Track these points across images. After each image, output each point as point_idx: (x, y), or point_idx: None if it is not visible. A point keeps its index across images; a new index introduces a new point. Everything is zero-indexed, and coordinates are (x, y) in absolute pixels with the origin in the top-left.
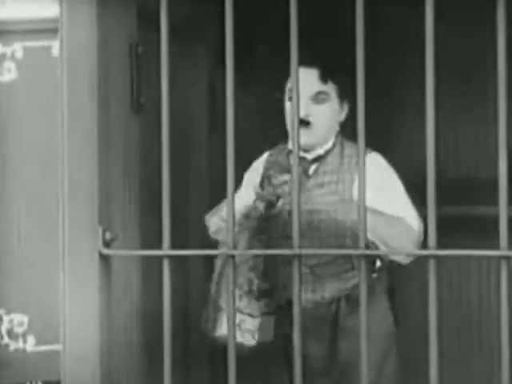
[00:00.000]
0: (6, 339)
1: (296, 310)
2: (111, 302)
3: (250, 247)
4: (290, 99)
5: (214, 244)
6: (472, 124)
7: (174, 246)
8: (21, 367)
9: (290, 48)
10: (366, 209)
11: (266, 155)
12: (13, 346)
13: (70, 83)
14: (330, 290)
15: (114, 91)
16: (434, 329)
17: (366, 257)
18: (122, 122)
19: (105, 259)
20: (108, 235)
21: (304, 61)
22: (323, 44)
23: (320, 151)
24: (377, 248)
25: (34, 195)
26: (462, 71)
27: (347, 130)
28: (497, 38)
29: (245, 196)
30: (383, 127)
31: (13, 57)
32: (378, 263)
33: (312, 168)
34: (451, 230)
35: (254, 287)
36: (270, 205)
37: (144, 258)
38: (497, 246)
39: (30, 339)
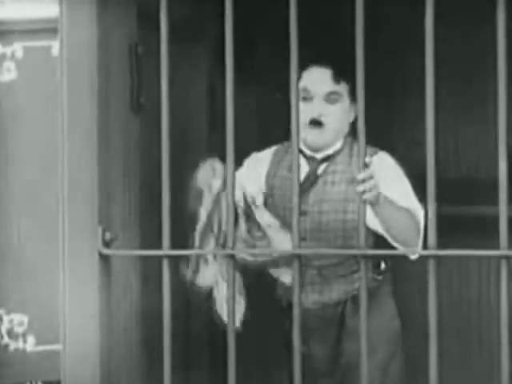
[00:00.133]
0: (6, 339)
1: (296, 311)
2: (111, 302)
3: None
4: (302, 99)
5: None
6: (472, 124)
7: (173, 246)
8: (21, 367)
9: (290, 48)
10: (365, 209)
11: (273, 149)
12: (13, 345)
13: (69, 83)
14: (337, 291)
15: (113, 91)
16: (433, 329)
17: (366, 257)
18: (121, 121)
19: (105, 259)
20: (108, 235)
21: (317, 60)
22: (336, 44)
23: (329, 151)
24: (385, 247)
25: (34, 195)
26: (462, 71)
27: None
28: (497, 38)
29: (248, 188)
30: (383, 127)
31: (13, 57)
32: (383, 265)
33: (321, 168)
34: (451, 229)
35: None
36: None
37: (144, 258)
38: (497, 246)
39: (30, 339)
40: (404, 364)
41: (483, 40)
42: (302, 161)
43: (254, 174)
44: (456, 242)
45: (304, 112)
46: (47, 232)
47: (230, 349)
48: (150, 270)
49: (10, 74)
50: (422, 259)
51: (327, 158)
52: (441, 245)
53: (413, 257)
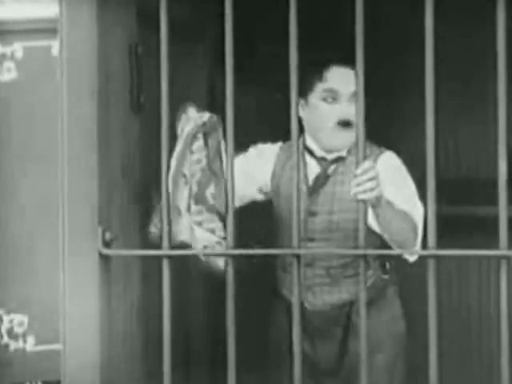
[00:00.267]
0: (5, 339)
1: (296, 311)
2: (111, 302)
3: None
4: (326, 100)
5: None
6: (472, 124)
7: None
8: (21, 367)
9: (289, 49)
10: (366, 208)
11: (277, 148)
12: (13, 345)
13: (69, 83)
14: (346, 291)
15: (113, 91)
16: (433, 328)
17: (367, 256)
18: (121, 121)
19: (105, 259)
20: (108, 235)
21: (340, 60)
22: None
23: (342, 152)
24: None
25: (34, 195)
26: (462, 71)
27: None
28: (497, 38)
29: (243, 188)
30: (382, 127)
31: (13, 57)
32: (387, 265)
33: (331, 168)
34: (451, 229)
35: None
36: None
37: (144, 258)
38: (497, 246)
39: (30, 339)
40: (407, 365)
41: (483, 40)
42: (312, 161)
43: (256, 172)
44: (456, 242)
45: (331, 114)
46: (47, 232)
47: (230, 349)
48: (150, 270)
49: (9, 74)
50: (421, 260)
51: (338, 159)
52: (440, 245)
53: (411, 259)
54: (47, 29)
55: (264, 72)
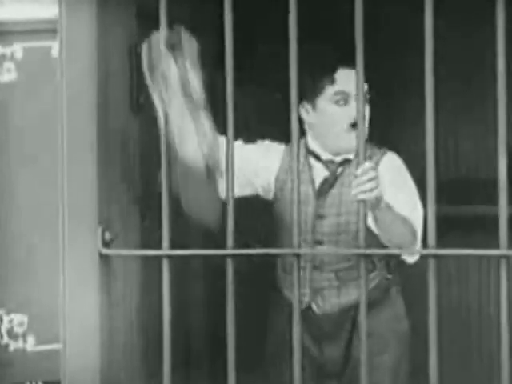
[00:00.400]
0: (5, 339)
1: (296, 311)
2: (111, 302)
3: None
4: (338, 103)
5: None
6: (472, 124)
7: (173, 246)
8: (21, 367)
9: (289, 49)
10: (366, 208)
11: (282, 149)
12: (13, 345)
13: (69, 84)
14: (354, 293)
15: (113, 91)
16: (433, 328)
17: (367, 256)
18: (121, 121)
19: (105, 259)
20: (108, 235)
21: (348, 62)
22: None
23: (349, 155)
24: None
25: (33, 195)
26: (461, 71)
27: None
28: (496, 38)
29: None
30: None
31: (12, 57)
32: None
33: (339, 170)
34: (451, 229)
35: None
36: None
37: (144, 258)
38: (496, 246)
39: (30, 339)
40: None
41: (483, 40)
42: (318, 165)
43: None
44: (456, 241)
45: (344, 116)
46: (47, 232)
47: (230, 349)
48: (150, 270)
49: (9, 74)
50: (421, 259)
51: (345, 161)
52: (440, 244)
53: (410, 260)
54: (47, 29)
55: (267, 72)
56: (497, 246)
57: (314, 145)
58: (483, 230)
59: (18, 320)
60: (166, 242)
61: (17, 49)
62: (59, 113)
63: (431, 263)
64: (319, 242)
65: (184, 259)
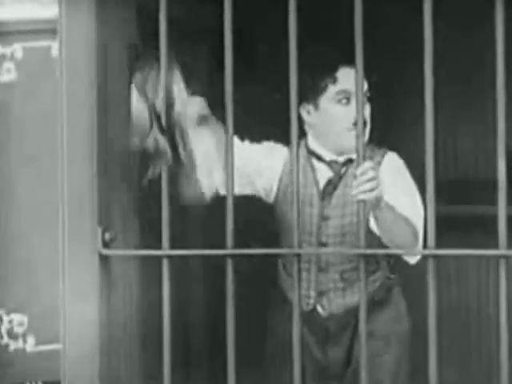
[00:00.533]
0: (5, 339)
1: (296, 311)
2: (111, 302)
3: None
4: (340, 102)
5: (212, 244)
6: (471, 124)
7: (173, 246)
8: (21, 367)
9: (289, 49)
10: (366, 208)
11: (286, 151)
12: (13, 345)
13: (69, 84)
14: (359, 294)
15: (113, 91)
16: (433, 328)
17: (368, 256)
18: (121, 121)
19: (104, 259)
20: (107, 236)
21: (349, 60)
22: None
23: (352, 154)
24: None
25: (33, 195)
26: (461, 71)
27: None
28: (496, 38)
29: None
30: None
31: (12, 57)
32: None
33: (342, 170)
34: (450, 229)
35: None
36: None
37: (144, 258)
38: (496, 246)
39: (30, 339)
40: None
41: (483, 40)
42: (321, 166)
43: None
44: (455, 241)
45: (347, 115)
46: (47, 232)
47: (230, 349)
48: (150, 270)
49: (9, 74)
50: (421, 259)
51: (348, 161)
52: (440, 244)
53: (412, 261)
54: (47, 29)
55: (267, 73)
56: (496, 246)
57: (315, 145)
58: (482, 230)
59: (18, 320)
60: (165, 242)
61: (17, 49)
62: (59, 113)
63: (431, 263)
64: (324, 244)
65: (184, 259)
